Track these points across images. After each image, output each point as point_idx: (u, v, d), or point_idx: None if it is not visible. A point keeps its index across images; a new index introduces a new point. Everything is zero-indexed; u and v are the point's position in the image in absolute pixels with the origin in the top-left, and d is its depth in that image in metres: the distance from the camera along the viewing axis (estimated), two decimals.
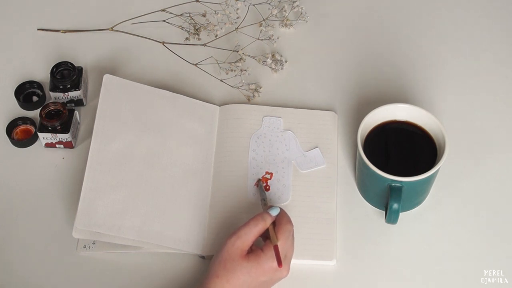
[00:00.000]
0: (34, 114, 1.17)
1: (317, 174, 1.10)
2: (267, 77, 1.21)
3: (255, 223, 0.97)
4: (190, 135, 1.12)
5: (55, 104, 1.14)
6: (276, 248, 0.94)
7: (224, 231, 1.05)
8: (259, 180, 1.09)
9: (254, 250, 0.96)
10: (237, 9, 1.22)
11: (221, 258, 0.95)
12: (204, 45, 1.23)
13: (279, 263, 0.93)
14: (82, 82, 1.17)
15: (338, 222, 1.07)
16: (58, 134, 1.12)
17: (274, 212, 0.98)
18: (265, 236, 0.98)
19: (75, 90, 1.16)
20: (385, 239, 1.06)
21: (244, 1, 1.25)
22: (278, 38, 1.23)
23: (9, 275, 1.04)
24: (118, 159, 1.07)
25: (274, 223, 0.98)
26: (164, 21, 1.25)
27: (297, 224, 1.04)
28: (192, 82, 1.21)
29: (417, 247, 1.05)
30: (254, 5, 1.26)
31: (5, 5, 1.31)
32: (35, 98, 1.20)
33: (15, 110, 1.18)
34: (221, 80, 1.20)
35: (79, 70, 1.18)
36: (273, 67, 1.21)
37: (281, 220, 0.98)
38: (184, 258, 1.05)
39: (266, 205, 1.03)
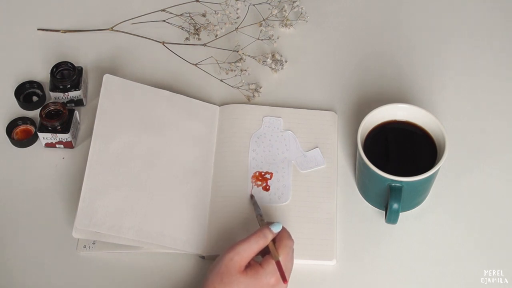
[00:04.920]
0: (34, 114, 1.17)
1: (317, 174, 1.10)
2: (267, 77, 1.21)
3: (256, 240, 0.95)
4: (190, 135, 1.12)
5: (55, 104, 1.14)
6: (278, 264, 0.93)
7: (224, 231, 1.05)
8: (252, 196, 1.08)
9: (252, 265, 0.95)
10: (237, 9, 1.23)
11: (218, 270, 0.94)
12: (204, 45, 1.23)
13: (284, 279, 0.92)
14: (82, 82, 1.17)
15: (338, 222, 1.07)
16: (58, 134, 1.12)
17: (276, 229, 0.96)
18: (263, 251, 0.97)
19: (75, 90, 1.16)
20: (385, 239, 1.06)
21: (244, 1, 1.25)
22: (278, 38, 1.23)
23: (9, 275, 1.04)
24: (118, 159, 1.07)
25: (274, 239, 0.96)
26: (164, 21, 1.25)
27: (297, 224, 1.04)
28: (192, 82, 1.21)
29: (417, 247, 1.05)
30: (254, 5, 1.26)
31: (5, 5, 1.31)
32: (35, 98, 1.20)
33: (15, 110, 1.18)
34: (221, 80, 1.20)
35: (79, 70, 1.18)
36: (273, 67, 1.21)
37: (282, 236, 0.96)
38: (184, 258, 1.05)
39: (263, 220, 1.01)
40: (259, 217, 1.02)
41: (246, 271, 0.94)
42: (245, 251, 0.94)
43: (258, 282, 0.93)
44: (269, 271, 0.93)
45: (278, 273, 0.93)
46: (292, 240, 0.97)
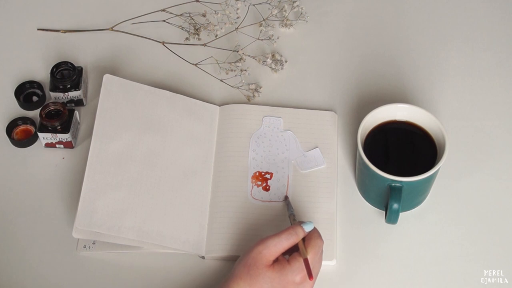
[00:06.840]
0: (34, 114, 1.17)
1: (317, 174, 1.10)
2: (267, 77, 1.21)
3: (287, 236, 0.95)
4: (190, 135, 1.12)
5: (55, 104, 1.14)
6: (306, 262, 0.93)
7: (224, 231, 1.05)
8: (286, 197, 1.08)
9: (280, 260, 0.95)
10: (237, 9, 1.22)
11: (245, 262, 0.95)
12: (204, 45, 1.23)
13: (310, 275, 0.93)
14: (82, 82, 1.17)
15: (338, 222, 1.07)
16: (58, 134, 1.12)
17: (308, 228, 0.97)
18: (290, 250, 0.97)
19: (75, 90, 1.16)
20: (385, 239, 1.06)
21: (244, 1, 1.25)
22: (278, 38, 1.23)
23: (9, 275, 1.04)
24: (118, 159, 1.07)
25: (303, 238, 0.97)
26: (164, 21, 1.25)
27: None
28: (192, 82, 1.21)
29: (417, 247, 1.05)
30: (254, 5, 1.26)
31: (5, 5, 1.31)
32: (35, 98, 1.20)
33: (15, 110, 1.18)
34: (221, 80, 1.20)
35: (79, 70, 1.18)
36: (273, 67, 1.21)
37: (313, 235, 0.97)
38: (184, 258, 1.05)
39: (295, 220, 1.02)
40: (291, 217, 1.03)
41: (273, 265, 0.94)
42: (275, 246, 0.95)
43: (283, 278, 0.94)
44: (296, 269, 0.94)
45: (304, 271, 0.93)
46: (322, 240, 0.97)
